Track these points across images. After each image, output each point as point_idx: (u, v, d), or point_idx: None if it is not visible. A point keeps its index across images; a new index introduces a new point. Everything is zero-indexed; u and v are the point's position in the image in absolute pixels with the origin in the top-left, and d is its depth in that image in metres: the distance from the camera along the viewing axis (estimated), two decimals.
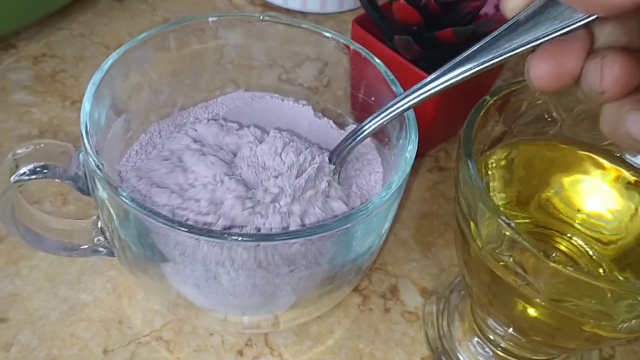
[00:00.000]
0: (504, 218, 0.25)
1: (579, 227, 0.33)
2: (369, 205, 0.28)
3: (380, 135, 0.36)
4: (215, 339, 0.37)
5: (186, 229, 0.26)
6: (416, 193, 0.46)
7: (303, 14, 0.62)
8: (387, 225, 0.32)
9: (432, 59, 0.42)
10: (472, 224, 0.28)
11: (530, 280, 0.26)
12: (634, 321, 0.26)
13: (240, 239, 0.26)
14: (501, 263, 0.27)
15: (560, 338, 0.30)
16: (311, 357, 0.36)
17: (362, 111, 0.38)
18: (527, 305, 0.29)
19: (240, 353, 0.36)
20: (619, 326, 0.26)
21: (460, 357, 0.37)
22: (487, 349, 0.37)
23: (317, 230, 0.27)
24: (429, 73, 0.41)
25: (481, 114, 0.30)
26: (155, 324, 0.37)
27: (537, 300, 0.27)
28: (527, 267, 0.26)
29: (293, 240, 0.27)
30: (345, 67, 0.38)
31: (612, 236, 0.33)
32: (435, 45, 0.41)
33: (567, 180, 0.34)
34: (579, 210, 0.34)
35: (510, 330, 0.33)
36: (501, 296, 0.30)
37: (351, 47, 0.36)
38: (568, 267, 0.24)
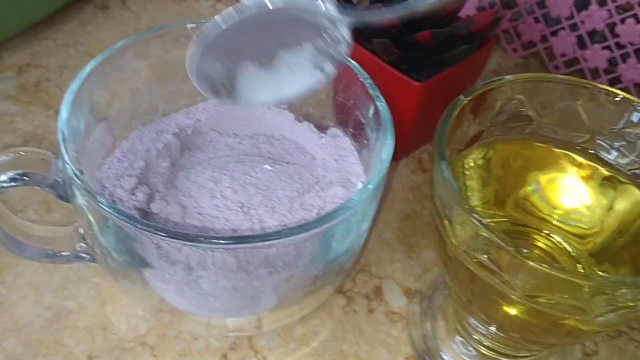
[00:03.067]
0: (476, 216, 0.25)
1: (557, 224, 0.34)
2: (347, 205, 0.28)
3: (359, 137, 0.36)
4: (199, 343, 0.37)
5: (164, 234, 0.26)
6: (400, 194, 0.46)
7: None
8: (366, 225, 0.33)
9: (411, 61, 0.43)
10: (446, 223, 0.28)
11: (506, 278, 0.26)
12: (611, 314, 0.26)
13: (216, 242, 0.26)
14: (475, 260, 0.27)
15: (539, 334, 0.31)
16: (295, 358, 0.36)
17: (343, 114, 0.39)
18: (504, 303, 0.29)
19: (225, 356, 0.36)
20: (597, 319, 0.27)
21: (444, 356, 0.37)
22: (470, 348, 0.37)
23: (294, 231, 0.27)
24: (409, 76, 0.41)
25: (455, 113, 0.30)
26: (139, 329, 0.37)
27: (514, 297, 0.27)
28: (502, 265, 0.26)
29: (270, 242, 0.27)
30: None
31: (589, 231, 0.33)
32: (414, 48, 0.41)
33: (543, 178, 0.34)
34: (555, 207, 0.34)
35: (492, 328, 0.33)
36: (479, 294, 0.30)
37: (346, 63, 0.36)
38: (542, 265, 0.24)
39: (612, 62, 0.55)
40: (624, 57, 0.53)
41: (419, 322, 0.39)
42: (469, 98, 0.31)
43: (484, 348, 0.36)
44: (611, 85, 0.53)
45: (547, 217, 0.34)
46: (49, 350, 0.36)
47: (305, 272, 0.31)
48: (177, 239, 0.26)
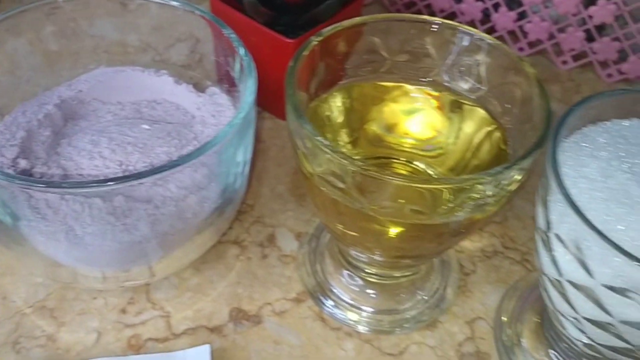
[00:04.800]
0: (319, 139, 0.28)
1: (414, 151, 0.37)
2: (211, 142, 0.30)
3: (233, 92, 0.38)
4: (98, 301, 0.38)
5: (29, 183, 0.27)
6: (290, 151, 0.49)
7: None
8: (240, 159, 0.35)
9: (286, 21, 0.45)
10: (300, 153, 0.30)
11: (354, 195, 0.29)
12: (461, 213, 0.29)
13: (79, 185, 0.28)
14: (328, 183, 0.29)
15: (408, 247, 0.34)
16: (192, 307, 0.38)
17: (219, 72, 0.41)
18: (366, 223, 0.32)
19: (123, 311, 0.38)
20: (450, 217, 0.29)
21: (333, 289, 0.40)
22: (356, 278, 0.40)
23: (157, 169, 0.29)
24: (287, 36, 0.43)
25: (305, 53, 0.32)
26: (38, 295, 0.38)
27: (371, 213, 0.30)
28: (348, 181, 0.29)
29: (136, 182, 0.29)
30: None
31: (444, 153, 0.36)
32: (285, 7, 0.44)
33: (400, 112, 0.37)
34: (412, 137, 0.37)
35: (375, 256, 0.36)
36: (345, 220, 0.33)
37: (204, 15, 0.38)
38: (386, 176, 0.27)
39: (486, 14, 0.58)
40: (496, 7, 0.57)
41: (308, 261, 0.41)
42: (319, 39, 0.33)
43: (367, 275, 0.39)
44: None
45: (405, 148, 0.37)
46: None
47: (177, 213, 0.33)
48: (40, 185, 0.27)
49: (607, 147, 0.31)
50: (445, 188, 0.28)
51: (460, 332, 0.38)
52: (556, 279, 0.30)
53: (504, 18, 0.57)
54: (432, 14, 0.61)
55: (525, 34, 0.58)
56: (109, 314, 0.38)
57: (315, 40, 0.33)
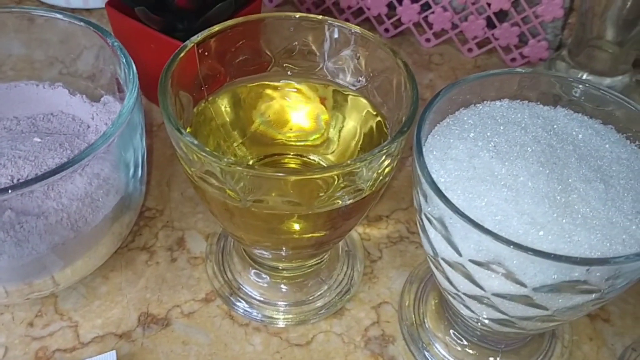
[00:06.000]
0: (189, 139, 0.28)
1: (304, 145, 0.38)
2: (91, 146, 0.31)
3: (119, 92, 0.39)
4: (5, 316, 0.38)
5: None
6: None
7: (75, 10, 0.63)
8: (129, 174, 0.35)
9: (185, 27, 0.46)
10: (179, 154, 0.31)
11: (233, 187, 0.30)
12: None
13: None
14: (204, 180, 0.30)
15: (301, 239, 0.34)
16: (100, 315, 0.39)
17: (114, 84, 0.41)
18: (253, 220, 0.33)
19: (31, 324, 0.38)
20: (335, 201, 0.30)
21: (242, 287, 0.41)
22: (264, 276, 0.41)
23: (42, 176, 0.29)
24: (184, 41, 0.44)
25: (181, 55, 0.33)
26: None
27: (253, 209, 0.31)
28: (227, 181, 0.30)
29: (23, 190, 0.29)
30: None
31: (334, 143, 0.37)
32: (178, 13, 0.44)
33: (284, 109, 0.38)
34: (301, 132, 0.38)
35: (276, 251, 0.37)
36: (236, 221, 0.33)
37: (89, 26, 0.38)
38: (250, 169, 0.28)
39: (392, 7, 0.60)
40: (400, 0, 0.59)
41: (216, 261, 0.42)
42: (196, 41, 0.34)
43: (272, 270, 0.40)
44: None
45: (296, 143, 0.38)
46: None
47: (73, 226, 0.33)
48: None
49: (475, 128, 0.32)
50: (311, 178, 0.29)
51: (366, 318, 0.40)
52: (434, 258, 0.31)
53: (408, 10, 0.59)
54: (341, 12, 0.62)
55: (430, 25, 0.59)
56: (16, 329, 0.38)
57: (191, 42, 0.34)
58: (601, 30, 0.51)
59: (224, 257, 0.42)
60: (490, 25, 0.58)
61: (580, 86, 0.34)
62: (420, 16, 0.59)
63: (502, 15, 0.57)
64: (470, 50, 0.60)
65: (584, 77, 0.52)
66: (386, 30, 0.61)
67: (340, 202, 0.31)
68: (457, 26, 0.59)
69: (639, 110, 0.32)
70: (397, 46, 0.61)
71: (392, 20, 0.60)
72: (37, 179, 0.29)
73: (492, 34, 0.58)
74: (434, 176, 0.29)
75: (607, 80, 0.53)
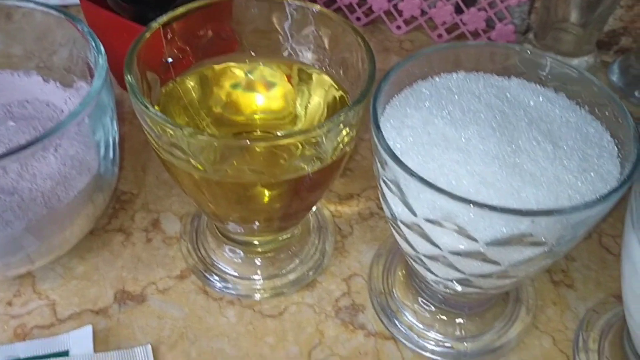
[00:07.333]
0: (152, 110, 0.30)
1: (272, 122, 0.39)
2: (61, 123, 0.32)
3: (90, 77, 0.40)
4: None
5: None
6: None
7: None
8: (100, 154, 0.36)
9: (157, 15, 0.47)
10: (145, 129, 0.32)
11: (197, 157, 0.31)
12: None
13: None
14: (167, 151, 0.31)
15: (269, 209, 0.36)
16: (77, 293, 0.40)
17: (86, 69, 0.42)
18: (221, 190, 0.34)
19: (10, 304, 0.39)
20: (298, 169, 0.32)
21: (216, 264, 0.42)
22: (238, 251, 0.42)
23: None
24: None
25: (147, 36, 0.34)
26: None
27: (217, 179, 0.32)
28: (192, 151, 0.31)
29: None
30: None
31: (301, 120, 0.39)
32: (150, 2, 0.45)
33: (252, 88, 0.39)
34: (263, 109, 0.39)
35: (247, 224, 0.38)
36: (201, 194, 0.35)
37: (60, 14, 0.40)
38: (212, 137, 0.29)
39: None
40: None
41: (190, 240, 0.43)
42: (161, 21, 0.35)
43: (244, 247, 0.41)
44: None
45: (265, 121, 0.39)
46: None
47: (47, 203, 0.34)
48: None
49: (430, 98, 0.33)
50: (272, 145, 0.30)
51: (337, 289, 0.41)
52: (394, 222, 0.33)
53: None
54: (313, 1, 0.63)
55: (400, 12, 0.61)
56: None
57: (157, 23, 0.35)
58: (565, 13, 0.53)
59: (197, 235, 0.43)
60: (459, 10, 0.59)
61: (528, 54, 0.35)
62: (390, 4, 0.60)
63: (470, 1, 0.59)
64: (440, 36, 0.61)
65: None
66: (358, 18, 0.62)
67: (302, 170, 0.32)
68: (427, 13, 0.60)
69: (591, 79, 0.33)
70: (369, 34, 0.62)
71: (363, 9, 0.62)
72: (7, 153, 0.30)
73: (460, 19, 0.59)
74: (390, 143, 0.30)
75: (574, 61, 0.55)
